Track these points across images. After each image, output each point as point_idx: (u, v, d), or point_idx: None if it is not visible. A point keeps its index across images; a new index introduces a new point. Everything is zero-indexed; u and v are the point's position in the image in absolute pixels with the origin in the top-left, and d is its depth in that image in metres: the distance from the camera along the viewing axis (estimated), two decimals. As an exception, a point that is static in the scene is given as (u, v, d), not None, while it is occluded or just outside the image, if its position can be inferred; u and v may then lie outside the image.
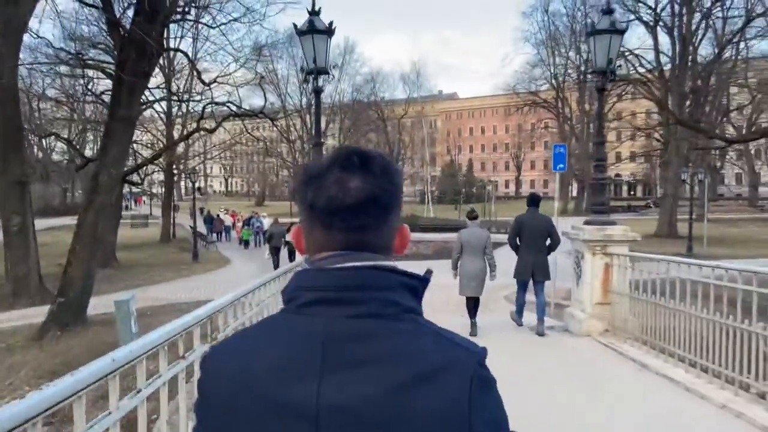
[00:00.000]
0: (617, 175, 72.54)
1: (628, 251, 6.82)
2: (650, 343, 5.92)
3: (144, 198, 63.72)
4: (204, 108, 18.67)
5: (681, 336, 5.30)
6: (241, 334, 0.92)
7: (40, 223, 16.86)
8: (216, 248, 26.01)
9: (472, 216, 7.39)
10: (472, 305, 7.29)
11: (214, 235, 30.21)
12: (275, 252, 17.82)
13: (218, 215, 33.90)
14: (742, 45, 29.62)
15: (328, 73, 6.95)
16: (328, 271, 0.84)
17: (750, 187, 55.51)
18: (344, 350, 0.79)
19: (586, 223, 7.25)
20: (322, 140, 7.49)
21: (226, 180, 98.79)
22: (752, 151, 49.06)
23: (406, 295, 0.84)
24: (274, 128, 55.68)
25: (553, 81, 50.56)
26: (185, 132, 24.72)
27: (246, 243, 27.65)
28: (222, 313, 3.21)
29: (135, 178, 20.97)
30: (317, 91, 7.10)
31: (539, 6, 50.49)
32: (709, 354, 4.85)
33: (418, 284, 0.86)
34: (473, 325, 7.19)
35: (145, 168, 23.48)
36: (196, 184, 26.20)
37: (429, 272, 0.89)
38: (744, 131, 35.81)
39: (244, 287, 3.85)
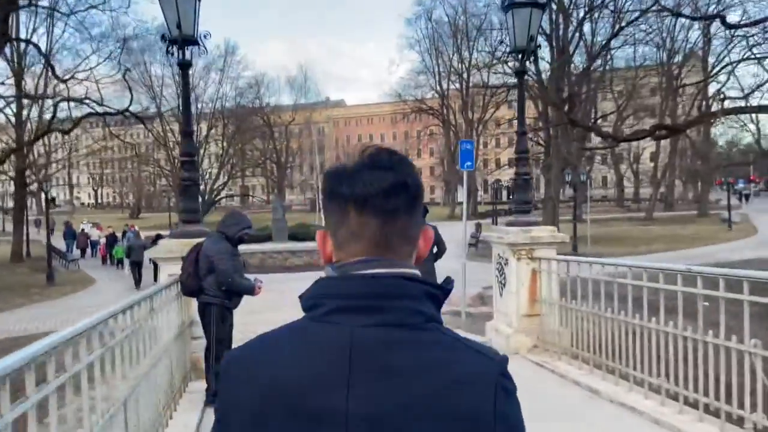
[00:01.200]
0: (497, 180, 76.04)
1: (555, 254, 6.04)
2: (593, 361, 5.12)
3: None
4: (56, 105, 16.04)
5: (632, 353, 4.51)
6: (260, 340, 0.90)
7: None
8: (78, 267, 22.70)
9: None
10: None
11: (78, 251, 26.50)
12: (136, 267, 16.69)
13: (82, 229, 29.90)
14: (609, 55, 31.55)
15: (198, 44, 5.49)
16: (353, 278, 0.84)
17: (617, 188, 60.11)
18: (371, 359, 0.80)
19: (509, 224, 6.42)
20: (199, 147, 6.17)
21: (95, 191, 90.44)
22: (620, 154, 53.09)
23: (428, 304, 0.85)
24: (149, 134, 51.88)
25: (438, 87, 51.48)
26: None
27: (119, 262, 23.30)
28: (70, 347, 2.37)
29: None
30: (183, 66, 5.62)
31: (422, 13, 51.01)
32: (672, 376, 4.06)
33: (440, 294, 0.87)
34: None
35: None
36: (53, 194, 22.82)
37: (450, 281, 0.91)
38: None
39: (97, 314, 2.87)
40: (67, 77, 18.49)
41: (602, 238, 26.82)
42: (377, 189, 0.84)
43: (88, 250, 27.27)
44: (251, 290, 4.85)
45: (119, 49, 20.34)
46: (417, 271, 0.87)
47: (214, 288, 4.68)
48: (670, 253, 20.40)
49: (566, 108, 28.89)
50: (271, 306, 11.82)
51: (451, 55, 49.88)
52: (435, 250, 6.70)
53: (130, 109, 19.43)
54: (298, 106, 64.54)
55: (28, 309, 13.77)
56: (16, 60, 22.67)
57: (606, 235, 27.08)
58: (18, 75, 22.54)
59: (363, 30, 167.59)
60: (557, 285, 5.87)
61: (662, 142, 43.94)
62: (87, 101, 16.10)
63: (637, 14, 23.66)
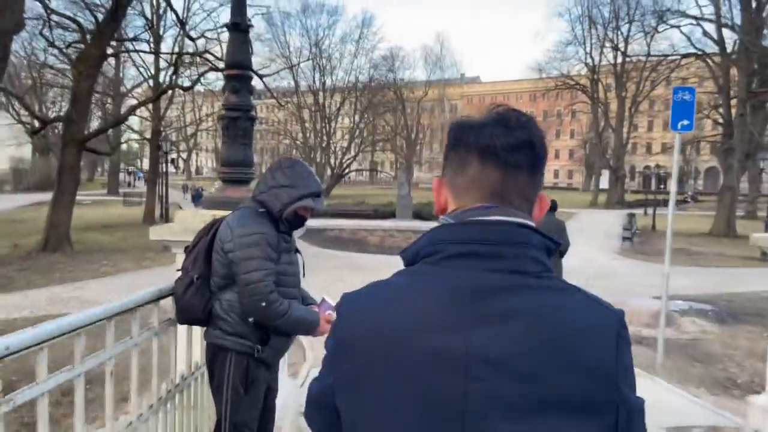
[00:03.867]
0: (646, 166, 68.32)
1: None
2: None
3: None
4: (177, 60, 15.10)
5: None
6: (376, 285, 0.92)
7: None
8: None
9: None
10: None
11: None
12: None
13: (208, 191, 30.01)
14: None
15: None
16: (473, 224, 0.86)
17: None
18: (494, 303, 0.81)
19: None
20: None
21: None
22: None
23: (545, 255, 0.86)
24: (287, 107, 52.55)
25: (588, 60, 46.08)
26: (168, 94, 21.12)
27: None
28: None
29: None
30: None
31: (576, -24, 45.63)
32: None
33: (554, 247, 0.88)
34: None
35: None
36: (173, 156, 22.64)
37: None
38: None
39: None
40: (197, 36, 17.65)
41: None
42: (503, 143, 0.86)
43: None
44: (309, 328, 2.53)
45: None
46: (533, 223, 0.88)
47: (235, 317, 2.44)
48: None
49: (753, 84, 23.59)
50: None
51: (606, 23, 44.26)
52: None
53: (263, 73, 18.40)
54: (432, 81, 62.11)
55: (134, 275, 12.96)
56: (154, 21, 22.66)
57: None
58: (156, 35, 22.50)
59: (508, 6, 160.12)
60: None
61: None
62: (207, 53, 14.98)
63: None
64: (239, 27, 3.84)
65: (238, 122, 3.89)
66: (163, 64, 23.41)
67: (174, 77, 15.09)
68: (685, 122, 5.56)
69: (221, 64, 15.80)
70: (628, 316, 0.88)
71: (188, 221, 3.56)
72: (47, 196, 37.52)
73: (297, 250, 2.70)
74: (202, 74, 15.27)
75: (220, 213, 3.03)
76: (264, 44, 41.33)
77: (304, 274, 2.70)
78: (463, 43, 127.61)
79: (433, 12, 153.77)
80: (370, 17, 75.62)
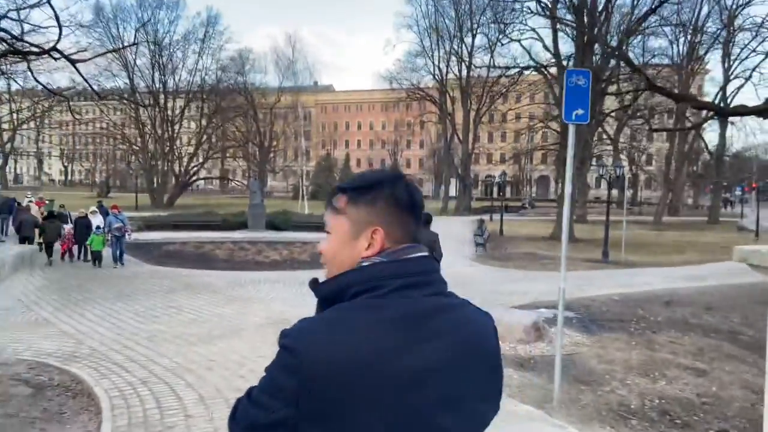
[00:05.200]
0: (489, 175, 72.76)
1: None
2: None
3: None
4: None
5: None
6: (326, 322, 1.00)
7: None
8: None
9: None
10: None
11: (12, 230, 18.83)
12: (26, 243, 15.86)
13: (19, 203, 23.25)
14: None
15: None
16: (409, 261, 1.06)
17: (619, 190, 56.88)
18: (432, 322, 1.02)
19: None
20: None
21: (65, 167, 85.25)
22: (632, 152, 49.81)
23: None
24: (123, 109, 47.35)
25: (437, 72, 47.57)
26: None
27: (96, 256, 14.84)
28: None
29: None
30: None
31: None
32: None
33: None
34: None
35: None
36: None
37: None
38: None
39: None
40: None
41: (626, 243, 23.35)
42: (419, 201, 1.12)
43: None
44: None
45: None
46: None
47: None
48: (719, 264, 17.03)
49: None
50: (231, 327, 8.10)
51: (452, 36, 45.98)
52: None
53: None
54: (285, 88, 60.21)
55: None
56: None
57: (630, 241, 23.59)
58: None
59: (358, 19, 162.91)
60: None
61: (676, 141, 40.93)
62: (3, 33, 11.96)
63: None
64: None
65: None
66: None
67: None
68: (580, 111, 4.82)
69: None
70: (500, 332, 1.18)
71: None
72: None
73: None
74: (4, 54, 12.13)
75: None
76: (89, 35, 36.11)
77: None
78: (316, 49, 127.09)
79: (282, 15, 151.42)
80: (215, 15, 71.49)
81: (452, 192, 53.14)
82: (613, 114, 33.52)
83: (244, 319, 8.78)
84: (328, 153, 77.21)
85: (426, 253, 1.08)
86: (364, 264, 1.05)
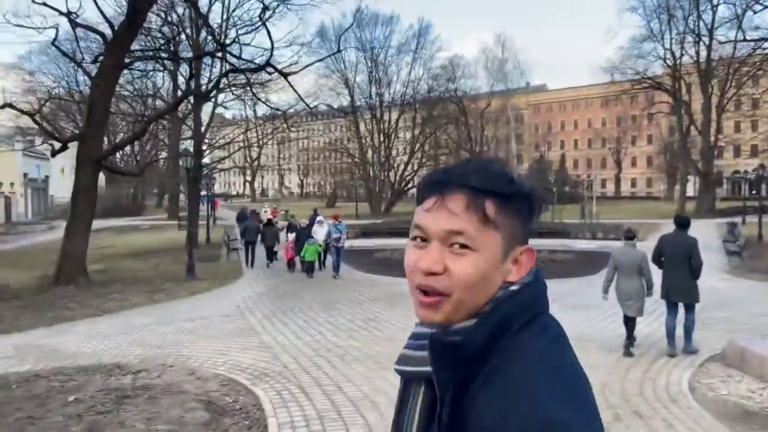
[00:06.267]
0: (735, 171, 61.96)
1: None
2: None
3: (221, 201, 60.47)
4: (222, 73, 13.32)
5: None
6: (562, 339, 0.90)
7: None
8: (239, 257, 20.50)
9: (628, 236, 7.44)
10: (626, 323, 7.09)
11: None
12: (249, 247, 17.18)
13: (253, 210, 26.19)
14: None
15: None
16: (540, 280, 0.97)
17: None
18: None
19: None
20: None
21: (301, 181, 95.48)
22: None
23: None
24: (348, 125, 50.88)
25: (668, 57, 41.62)
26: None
27: (309, 267, 15.03)
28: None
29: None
30: None
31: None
32: None
33: None
34: (626, 345, 6.96)
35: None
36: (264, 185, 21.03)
37: None
38: None
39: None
40: (228, 42, 15.99)
41: None
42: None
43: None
44: None
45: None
46: None
47: None
48: None
49: None
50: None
51: (687, 13, 39.87)
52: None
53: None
54: (496, 92, 58.91)
55: (142, 311, 11.08)
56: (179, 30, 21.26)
57: None
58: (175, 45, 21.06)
59: (569, 12, 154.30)
60: None
61: None
62: (228, 55, 13.08)
63: None
64: None
65: None
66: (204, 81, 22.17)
67: (192, 83, 13.34)
68: None
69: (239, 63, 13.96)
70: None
71: None
72: (110, 223, 37.70)
73: None
74: (223, 75, 13.37)
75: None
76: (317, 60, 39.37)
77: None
78: (526, 49, 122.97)
79: (492, 20, 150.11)
80: (426, 26, 73.07)
81: (689, 191, 46.16)
82: None
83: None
84: (542, 155, 73.66)
85: None
86: (513, 288, 0.88)
